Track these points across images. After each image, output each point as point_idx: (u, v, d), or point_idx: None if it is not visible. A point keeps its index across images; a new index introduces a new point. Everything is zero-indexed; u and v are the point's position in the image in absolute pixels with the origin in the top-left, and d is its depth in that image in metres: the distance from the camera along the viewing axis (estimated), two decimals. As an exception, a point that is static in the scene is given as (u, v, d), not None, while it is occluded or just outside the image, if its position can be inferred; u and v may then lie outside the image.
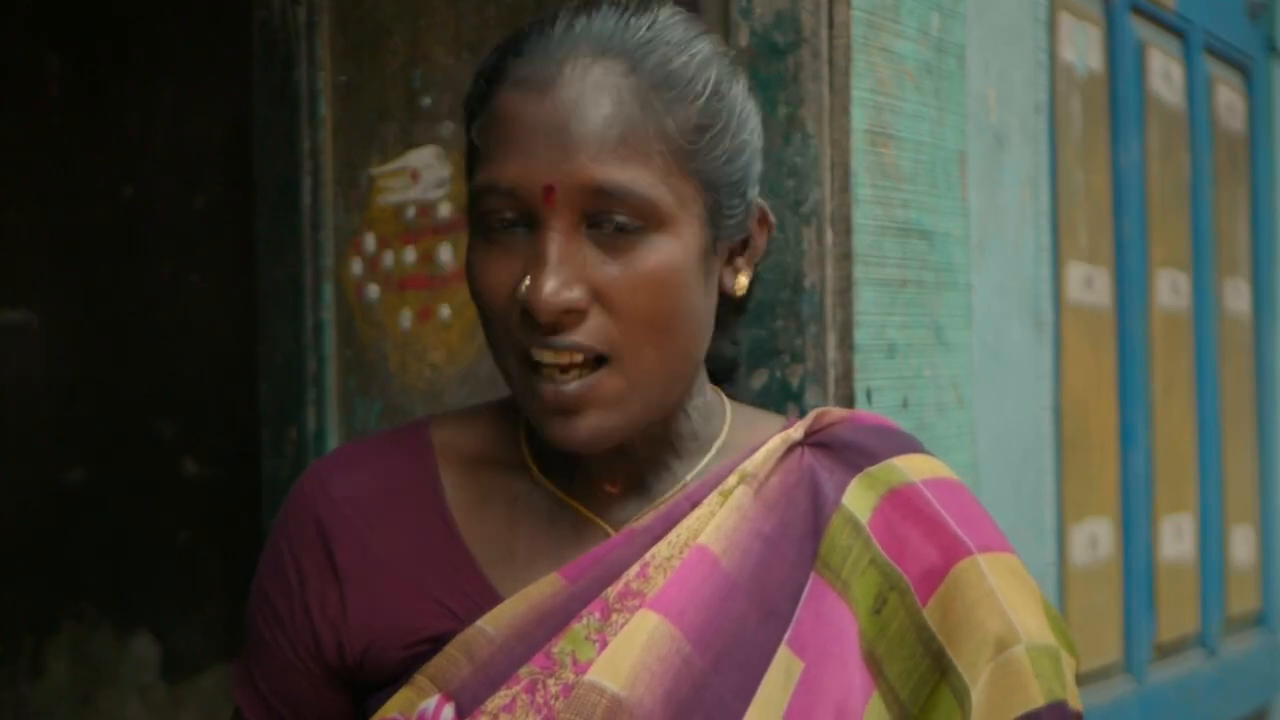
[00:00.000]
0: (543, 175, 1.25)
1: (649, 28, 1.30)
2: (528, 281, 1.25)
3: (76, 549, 3.25)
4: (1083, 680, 2.61)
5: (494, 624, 1.30)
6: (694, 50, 1.31)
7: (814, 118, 1.84)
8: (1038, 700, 1.29)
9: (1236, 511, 3.40)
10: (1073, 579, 2.60)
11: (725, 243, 1.33)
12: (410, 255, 2.16)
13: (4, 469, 3.31)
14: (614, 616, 1.30)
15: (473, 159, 1.32)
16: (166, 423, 3.17)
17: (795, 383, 1.83)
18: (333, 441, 2.19)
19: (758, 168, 1.36)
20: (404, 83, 2.16)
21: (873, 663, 1.31)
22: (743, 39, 1.87)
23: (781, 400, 1.82)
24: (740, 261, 1.36)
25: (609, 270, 1.26)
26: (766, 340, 1.82)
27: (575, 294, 1.25)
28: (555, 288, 1.25)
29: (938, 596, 1.31)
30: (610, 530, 1.34)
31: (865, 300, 1.86)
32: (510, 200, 1.27)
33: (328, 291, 2.22)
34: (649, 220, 1.26)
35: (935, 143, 1.99)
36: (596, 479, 1.36)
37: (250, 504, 2.35)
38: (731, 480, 1.35)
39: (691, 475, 1.36)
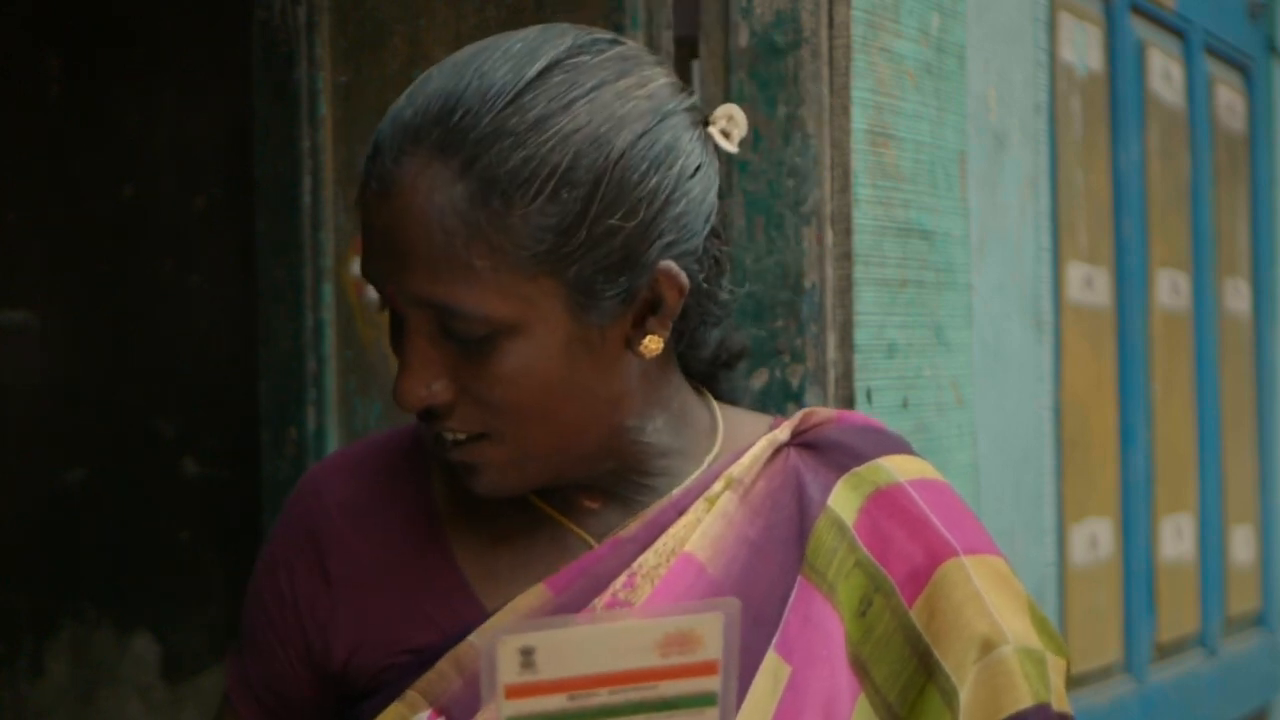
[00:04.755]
0: (384, 283, 1.24)
1: (507, 105, 1.21)
2: None
3: (76, 549, 3.25)
4: (1083, 680, 2.62)
5: (482, 637, 1.29)
6: (552, 131, 1.20)
7: (814, 118, 1.84)
8: (1026, 700, 1.28)
9: (1236, 511, 3.40)
10: (1073, 579, 2.60)
11: (608, 321, 1.25)
12: (410, 255, 2.15)
13: (4, 469, 3.30)
14: None
15: None
16: (166, 423, 3.17)
17: (795, 383, 1.82)
18: (333, 441, 2.19)
19: (661, 234, 1.24)
20: (404, 83, 2.14)
21: (859, 666, 1.30)
22: (743, 39, 1.87)
23: (782, 400, 1.82)
24: (652, 322, 1.27)
25: (467, 370, 1.24)
26: (766, 340, 1.82)
27: (433, 391, 1.25)
28: (410, 387, 1.24)
29: (924, 597, 1.30)
30: (593, 542, 1.33)
31: (865, 300, 1.86)
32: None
33: (328, 291, 2.22)
34: (490, 329, 1.22)
35: (935, 143, 1.99)
36: (574, 494, 1.34)
37: (250, 504, 2.35)
38: (717, 486, 1.33)
39: (678, 490, 1.33)
